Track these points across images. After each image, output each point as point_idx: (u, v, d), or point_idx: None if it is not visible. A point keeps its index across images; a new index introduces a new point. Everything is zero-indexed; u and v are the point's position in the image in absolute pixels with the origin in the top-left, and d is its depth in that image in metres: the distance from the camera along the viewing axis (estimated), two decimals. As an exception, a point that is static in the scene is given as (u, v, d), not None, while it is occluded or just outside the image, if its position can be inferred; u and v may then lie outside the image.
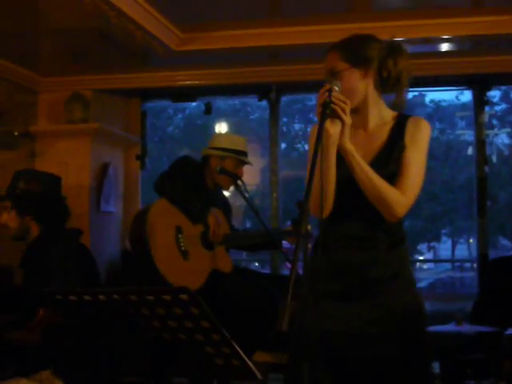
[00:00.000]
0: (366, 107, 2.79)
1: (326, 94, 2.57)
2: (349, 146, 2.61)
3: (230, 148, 4.74)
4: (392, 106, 2.86)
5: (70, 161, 5.41)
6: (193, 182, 4.68)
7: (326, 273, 2.80)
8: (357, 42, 2.79)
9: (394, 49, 2.81)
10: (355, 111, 2.76)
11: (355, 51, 2.76)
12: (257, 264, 15.25)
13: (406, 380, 2.73)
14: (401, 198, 2.66)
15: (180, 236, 4.54)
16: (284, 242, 4.94)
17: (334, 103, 2.56)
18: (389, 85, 2.80)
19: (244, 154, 4.79)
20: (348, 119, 2.59)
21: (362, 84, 2.77)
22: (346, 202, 2.72)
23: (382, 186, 2.64)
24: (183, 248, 4.53)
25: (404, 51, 2.83)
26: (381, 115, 2.82)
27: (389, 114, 2.83)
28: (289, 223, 4.90)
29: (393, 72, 2.78)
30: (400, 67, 2.78)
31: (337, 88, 2.61)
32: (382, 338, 2.71)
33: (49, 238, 3.72)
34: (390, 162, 2.72)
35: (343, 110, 2.58)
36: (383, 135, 2.78)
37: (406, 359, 2.72)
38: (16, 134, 5.43)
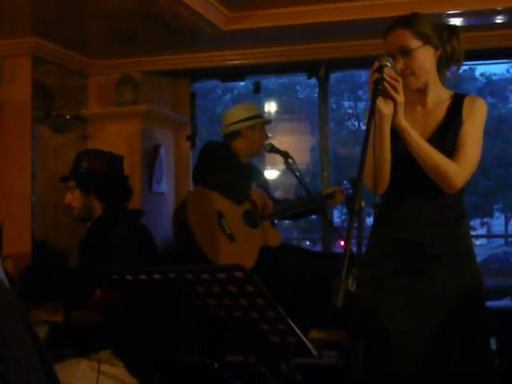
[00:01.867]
0: (427, 85, 2.83)
1: (377, 74, 2.59)
2: (404, 123, 2.65)
3: (254, 115, 4.83)
4: (444, 83, 2.91)
5: (121, 143, 5.44)
6: (227, 163, 4.70)
7: (388, 249, 2.82)
8: (424, 20, 2.80)
9: (454, 27, 2.88)
10: (418, 89, 2.79)
11: (427, 29, 2.78)
12: (308, 243, 15.27)
13: (466, 355, 2.74)
14: (458, 170, 2.70)
15: (223, 220, 4.55)
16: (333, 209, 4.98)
17: (385, 80, 2.57)
18: (451, 62, 2.86)
19: (262, 116, 4.94)
20: (400, 97, 2.62)
21: (432, 61, 2.80)
22: (406, 179, 2.75)
23: (439, 158, 2.67)
24: (228, 231, 4.54)
25: (460, 29, 2.88)
26: (438, 93, 2.86)
27: (445, 93, 2.87)
28: (345, 183, 4.86)
29: (457, 49, 2.83)
30: (462, 44, 2.84)
31: (389, 64, 2.63)
32: (441, 313, 2.74)
33: (112, 217, 3.75)
34: (447, 138, 2.76)
35: (395, 89, 2.59)
36: (441, 113, 2.83)
37: (465, 334, 2.74)
38: (68, 117, 5.49)
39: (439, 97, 2.86)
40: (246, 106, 4.97)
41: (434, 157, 2.68)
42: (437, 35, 2.80)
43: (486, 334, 2.85)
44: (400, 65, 2.73)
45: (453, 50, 2.83)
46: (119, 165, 3.94)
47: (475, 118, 2.78)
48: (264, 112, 12.06)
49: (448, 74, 2.92)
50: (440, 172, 2.69)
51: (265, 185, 4.99)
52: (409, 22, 2.79)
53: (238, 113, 4.85)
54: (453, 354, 2.74)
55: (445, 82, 2.91)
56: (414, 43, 2.75)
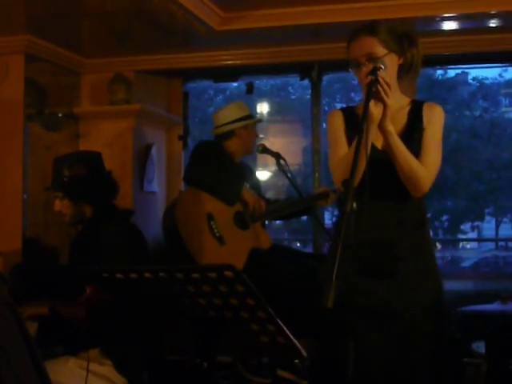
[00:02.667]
0: None
1: (371, 77, 2.65)
2: (390, 127, 2.74)
3: (247, 115, 4.86)
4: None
5: (113, 142, 5.44)
6: (221, 163, 4.69)
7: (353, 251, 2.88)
8: (388, 28, 2.90)
9: (413, 35, 2.97)
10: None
11: (391, 37, 2.88)
12: (298, 244, 15.26)
13: (421, 357, 2.84)
14: (428, 174, 2.83)
15: (212, 222, 4.54)
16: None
17: (379, 83, 2.63)
18: (411, 70, 2.99)
19: (253, 115, 4.97)
20: (390, 101, 2.69)
21: (395, 69, 2.94)
22: (374, 183, 2.78)
23: (415, 164, 2.79)
24: (218, 234, 4.53)
25: (418, 36, 3.01)
26: (398, 100, 2.96)
27: (404, 99, 3.01)
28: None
29: (416, 57, 2.95)
30: (420, 52, 2.97)
31: (383, 67, 2.69)
32: (406, 313, 2.84)
33: (101, 218, 3.75)
34: (412, 143, 2.86)
35: (386, 93, 2.65)
36: (402, 119, 2.94)
37: (429, 334, 2.86)
38: (60, 115, 5.48)
39: (399, 103, 2.95)
40: (237, 105, 4.97)
41: (412, 162, 2.78)
42: (398, 43, 2.89)
43: (445, 335, 2.98)
44: (372, 65, 2.79)
45: (412, 57, 2.93)
46: (99, 162, 3.93)
47: (435, 125, 2.91)
48: (256, 113, 12.06)
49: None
50: (415, 176, 2.79)
51: (257, 185, 4.99)
52: (374, 29, 2.87)
53: (231, 113, 4.86)
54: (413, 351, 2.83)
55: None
56: (381, 51, 2.84)
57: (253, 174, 5.10)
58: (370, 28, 2.87)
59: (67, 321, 3.55)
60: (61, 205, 3.79)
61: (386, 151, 2.81)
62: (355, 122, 2.89)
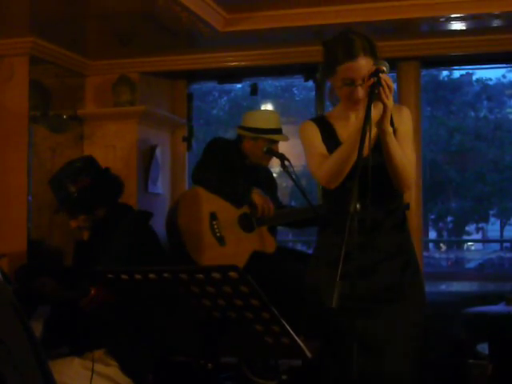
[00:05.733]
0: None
1: (374, 78, 2.66)
2: (389, 128, 2.79)
3: (262, 128, 4.70)
4: None
5: (117, 143, 5.45)
6: (230, 163, 4.66)
7: (337, 253, 2.90)
8: (375, 43, 2.95)
9: (372, 40, 2.98)
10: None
11: (376, 55, 2.92)
12: (301, 245, 15.26)
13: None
14: (413, 170, 2.95)
15: (214, 222, 4.51)
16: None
17: (382, 85, 2.65)
18: None
19: (276, 131, 4.75)
20: (390, 103, 2.72)
21: None
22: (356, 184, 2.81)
23: (406, 160, 2.87)
24: (218, 234, 4.50)
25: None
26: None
27: None
28: None
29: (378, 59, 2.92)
30: (380, 54, 2.97)
31: (385, 69, 2.71)
32: (389, 311, 2.93)
33: (115, 217, 3.75)
34: None
35: (387, 95, 2.69)
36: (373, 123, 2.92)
37: (412, 326, 2.97)
38: (65, 117, 5.49)
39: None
40: (264, 114, 4.89)
41: (404, 159, 2.85)
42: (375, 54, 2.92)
43: (422, 332, 3.03)
44: (362, 93, 2.84)
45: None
46: (96, 164, 3.93)
47: (406, 125, 3.00)
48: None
49: None
50: (406, 172, 2.87)
51: (271, 188, 4.92)
52: (370, 50, 2.89)
53: (253, 118, 4.76)
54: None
55: None
56: (371, 69, 2.83)
57: (268, 177, 5.01)
58: (366, 48, 2.89)
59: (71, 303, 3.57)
60: (77, 221, 3.80)
61: (368, 157, 2.83)
62: (330, 130, 3.01)
